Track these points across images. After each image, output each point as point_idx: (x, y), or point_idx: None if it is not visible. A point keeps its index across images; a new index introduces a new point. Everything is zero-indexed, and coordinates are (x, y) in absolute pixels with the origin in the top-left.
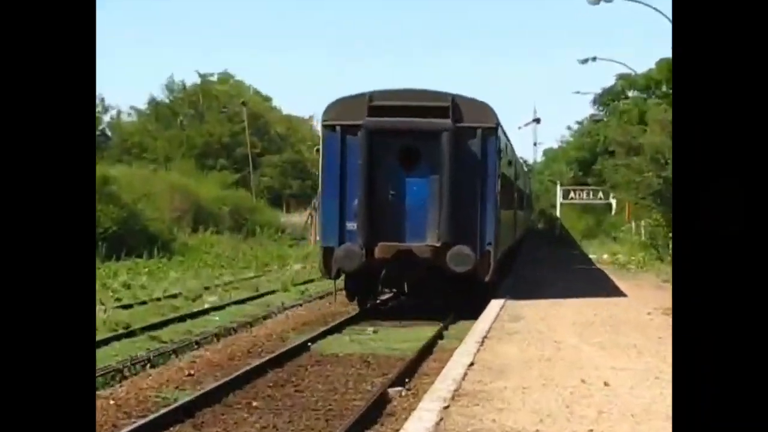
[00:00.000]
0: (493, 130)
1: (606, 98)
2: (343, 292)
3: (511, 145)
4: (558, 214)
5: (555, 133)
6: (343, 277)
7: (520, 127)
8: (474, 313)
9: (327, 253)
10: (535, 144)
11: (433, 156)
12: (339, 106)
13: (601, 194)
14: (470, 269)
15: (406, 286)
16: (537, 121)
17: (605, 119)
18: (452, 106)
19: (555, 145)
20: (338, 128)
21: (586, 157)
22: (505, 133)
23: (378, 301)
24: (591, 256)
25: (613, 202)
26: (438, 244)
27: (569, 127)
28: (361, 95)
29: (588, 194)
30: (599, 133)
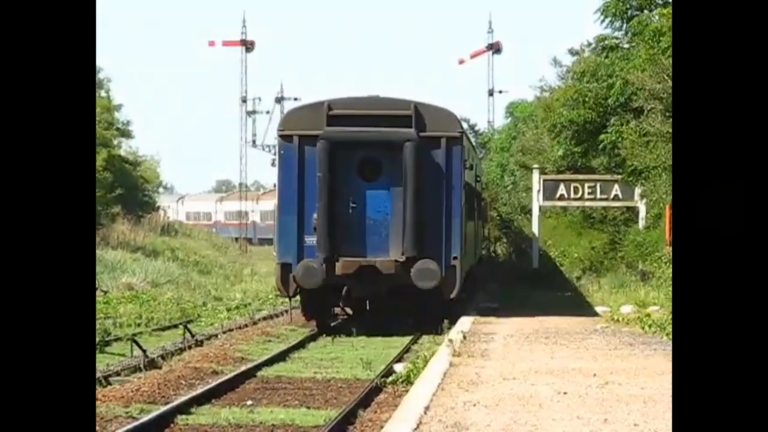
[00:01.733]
0: (457, 140)
1: (624, 4)
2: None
3: (472, 144)
4: (535, 228)
5: (529, 72)
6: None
7: (462, 62)
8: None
9: (284, 269)
10: (491, 94)
11: (395, 167)
12: (296, 116)
13: (617, 190)
14: (436, 285)
15: (368, 304)
16: (494, 49)
17: (625, 45)
18: (415, 115)
19: (529, 96)
20: (295, 139)
21: (588, 121)
22: (468, 139)
23: (338, 321)
24: (600, 308)
25: (641, 205)
26: (402, 259)
27: (556, 62)
28: (320, 103)
29: (593, 190)
30: (613, 73)
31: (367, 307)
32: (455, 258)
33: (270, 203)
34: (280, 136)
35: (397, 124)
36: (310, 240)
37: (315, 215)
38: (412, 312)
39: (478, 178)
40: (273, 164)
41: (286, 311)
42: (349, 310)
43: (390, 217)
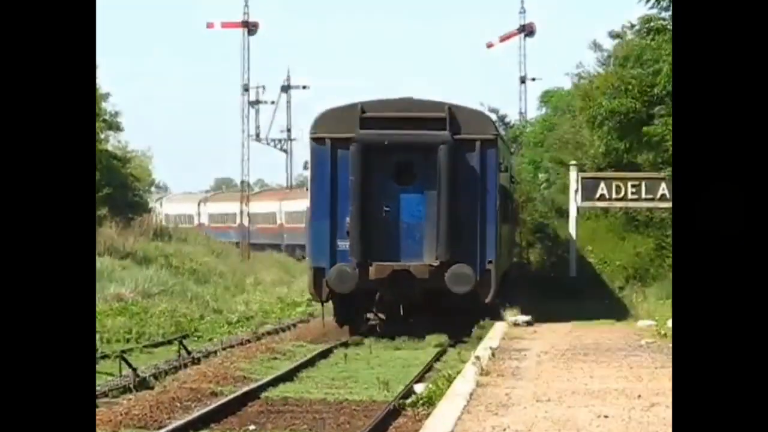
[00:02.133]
0: (492, 142)
1: None
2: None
3: (506, 144)
4: (573, 232)
5: (565, 57)
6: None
7: (490, 45)
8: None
9: (317, 274)
10: (523, 81)
11: (429, 170)
12: (328, 118)
13: (664, 189)
14: (470, 290)
15: (402, 309)
16: (526, 31)
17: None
18: (449, 117)
19: (565, 84)
20: (328, 141)
21: (632, 111)
22: (503, 139)
23: (372, 324)
24: (645, 322)
25: None
26: (437, 264)
27: (596, 46)
28: (353, 105)
29: (637, 189)
30: (660, 58)
31: (401, 312)
32: (490, 262)
33: (261, 205)
34: (312, 138)
35: (431, 126)
36: (343, 244)
37: (348, 219)
38: (446, 317)
39: (512, 179)
40: (305, 167)
41: (294, 325)
42: (382, 315)
43: (424, 221)
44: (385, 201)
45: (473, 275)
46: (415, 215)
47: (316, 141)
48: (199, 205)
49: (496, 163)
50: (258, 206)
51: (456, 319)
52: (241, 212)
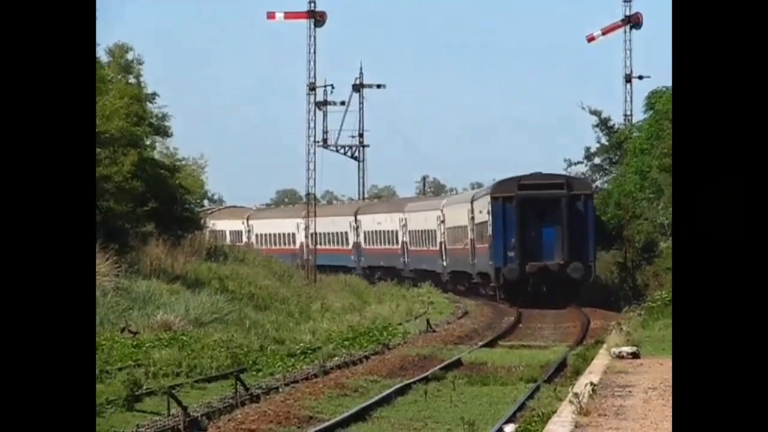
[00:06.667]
0: (590, 196)
1: None
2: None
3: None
4: None
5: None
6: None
7: (592, 39)
8: None
9: (497, 270)
10: (628, 80)
11: (556, 213)
12: (500, 185)
13: None
14: (582, 276)
15: (545, 288)
16: (632, 22)
17: None
18: (566, 182)
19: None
20: (500, 198)
21: None
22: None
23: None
24: None
25: None
26: (562, 262)
27: None
28: (512, 178)
29: None
30: None
31: (544, 290)
32: (591, 261)
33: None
34: (493, 198)
35: (556, 188)
36: (511, 254)
37: (513, 240)
38: (568, 293)
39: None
40: (488, 214)
41: (366, 357)
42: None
43: (555, 241)
44: (533, 230)
45: (583, 268)
46: (550, 238)
47: (494, 199)
48: (247, 221)
49: (593, 207)
50: (264, 225)
51: (573, 293)
52: (307, 228)
